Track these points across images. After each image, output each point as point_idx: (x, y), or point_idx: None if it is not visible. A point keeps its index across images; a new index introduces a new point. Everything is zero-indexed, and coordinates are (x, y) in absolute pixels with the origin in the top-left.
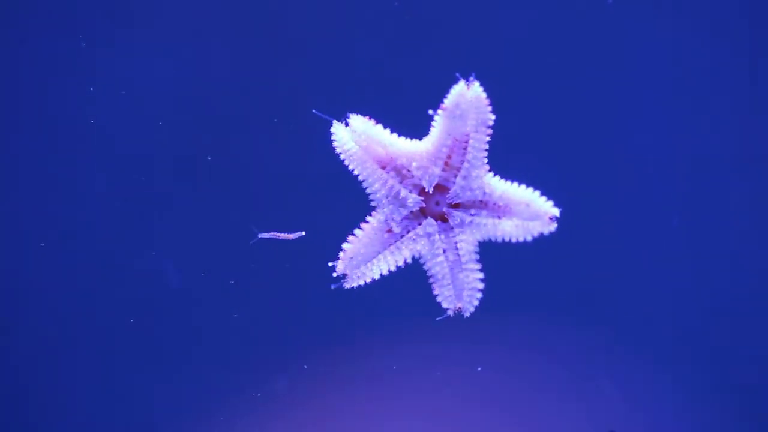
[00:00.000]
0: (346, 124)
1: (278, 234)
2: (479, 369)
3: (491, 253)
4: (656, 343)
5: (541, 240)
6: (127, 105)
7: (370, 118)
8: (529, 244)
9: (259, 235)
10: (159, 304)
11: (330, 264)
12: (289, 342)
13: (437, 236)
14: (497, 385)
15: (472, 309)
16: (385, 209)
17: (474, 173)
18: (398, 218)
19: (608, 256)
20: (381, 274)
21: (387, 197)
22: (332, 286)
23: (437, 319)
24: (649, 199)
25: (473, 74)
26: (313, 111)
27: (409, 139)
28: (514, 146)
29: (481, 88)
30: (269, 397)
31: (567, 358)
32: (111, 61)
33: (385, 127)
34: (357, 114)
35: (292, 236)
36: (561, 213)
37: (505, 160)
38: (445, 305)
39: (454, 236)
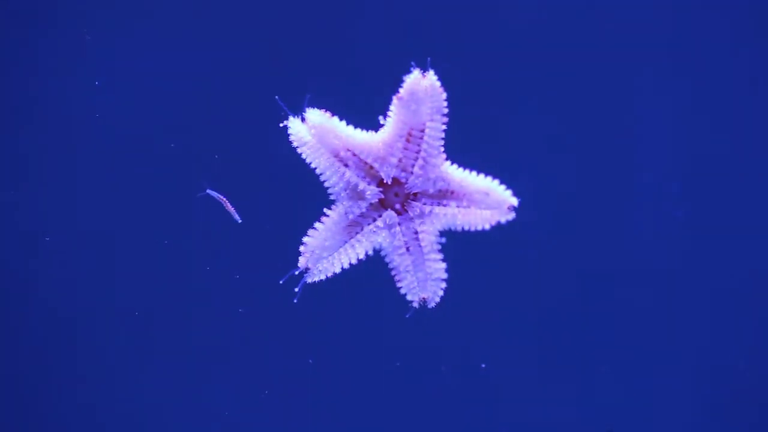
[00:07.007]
0: (303, 119)
1: (227, 204)
2: (483, 366)
3: (492, 250)
4: (656, 343)
5: (540, 237)
6: (133, 99)
7: (326, 111)
8: (532, 239)
9: (208, 191)
10: (162, 299)
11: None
12: (293, 336)
13: (398, 228)
14: (499, 382)
15: (437, 299)
16: (344, 202)
17: (431, 162)
18: (357, 211)
19: (606, 253)
20: (343, 268)
21: (345, 190)
22: (296, 289)
23: (406, 316)
24: (641, 193)
25: (429, 62)
26: (276, 98)
27: (366, 131)
28: (477, 136)
29: (435, 77)
30: (274, 393)
31: (567, 356)
32: (116, 54)
33: (341, 120)
34: (313, 107)
35: (232, 213)
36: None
37: (464, 150)
38: (409, 297)
39: (415, 227)
